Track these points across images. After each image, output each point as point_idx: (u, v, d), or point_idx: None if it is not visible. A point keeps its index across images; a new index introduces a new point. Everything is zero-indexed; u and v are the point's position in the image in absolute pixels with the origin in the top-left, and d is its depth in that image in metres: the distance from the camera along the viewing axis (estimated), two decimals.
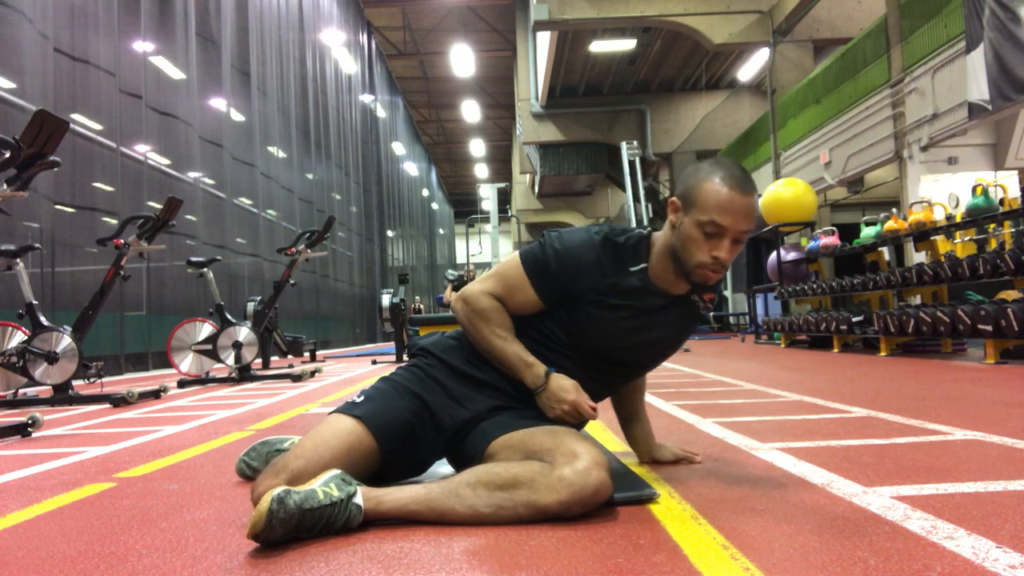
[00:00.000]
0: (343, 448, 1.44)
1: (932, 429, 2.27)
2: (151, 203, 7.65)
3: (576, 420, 1.57)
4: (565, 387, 1.55)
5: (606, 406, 1.87)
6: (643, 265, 1.60)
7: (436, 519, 1.37)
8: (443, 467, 1.70)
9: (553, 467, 1.35)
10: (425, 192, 29.44)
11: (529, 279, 1.59)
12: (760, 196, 10.87)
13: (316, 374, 6.37)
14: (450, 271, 11.84)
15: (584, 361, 1.65)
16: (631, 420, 1.91)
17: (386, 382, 1.62)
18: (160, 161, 8.42)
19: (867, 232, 7.21)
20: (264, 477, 1.41)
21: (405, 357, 3.19)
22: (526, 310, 1.63)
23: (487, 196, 28.09)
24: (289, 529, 1.26)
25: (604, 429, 2.50)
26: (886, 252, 7.27)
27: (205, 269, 5.76)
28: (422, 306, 23.68)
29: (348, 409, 1.53)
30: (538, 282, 1.59)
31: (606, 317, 1.58)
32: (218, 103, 9.98)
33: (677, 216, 1.55)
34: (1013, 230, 7.06)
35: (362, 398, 1.57)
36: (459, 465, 1.60)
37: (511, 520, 1.35)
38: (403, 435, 1.53)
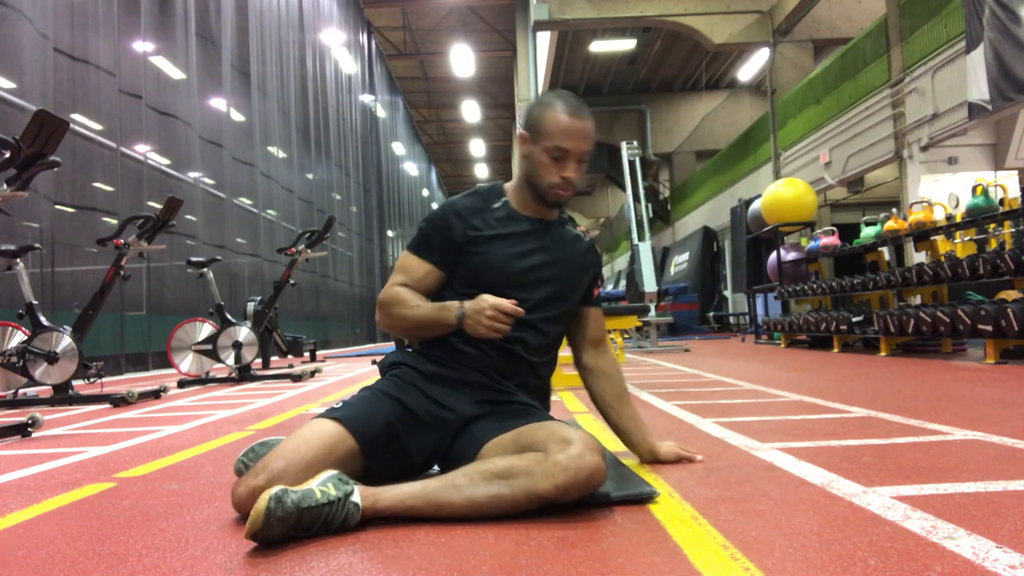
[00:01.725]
0: (324, 448, 1.45)
1: (932, 429, 2.27)
2: (151, 203, 7.64)
3: (503, 324, 1.59)
4: (481, 298, 1.62)
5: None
6: (504, 199, 1.78)
7: (434, 512, 1.38)
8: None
9: (547, 455, 1.37)
10: (425, 192, 29.43)
11: (418, 255, 1.75)
12: (760, 196, 10.89)
13: (316, 374, 6.37)
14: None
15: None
16: (610, 413, 1.87)
17: (366, 390, 1.66)
18: (160, 161, 8.41)
19: (867, 232, 7.21)
20: (245, 478, 1.42)
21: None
22: (431, 283, 1.74)
23: None
24: (287, 528, 1.26)
25: (603, 429, 2.50)
26: (886, 252, 7.26)
27: (205, 269, 5.76)
28: None
29: (328, 413, 1.55)
30: (425, 252, 1.74)
31: (489, 250, 1.71)
32: (218, 103, 9.98)
33: (527, 147, 1.72)
34: (1013, 230, 7.05)
35: (341, 404, 1.59)
36: (451, 468, 1.61)
37: (509, 509, 1.36)
38: (386, 438, 1.54)
